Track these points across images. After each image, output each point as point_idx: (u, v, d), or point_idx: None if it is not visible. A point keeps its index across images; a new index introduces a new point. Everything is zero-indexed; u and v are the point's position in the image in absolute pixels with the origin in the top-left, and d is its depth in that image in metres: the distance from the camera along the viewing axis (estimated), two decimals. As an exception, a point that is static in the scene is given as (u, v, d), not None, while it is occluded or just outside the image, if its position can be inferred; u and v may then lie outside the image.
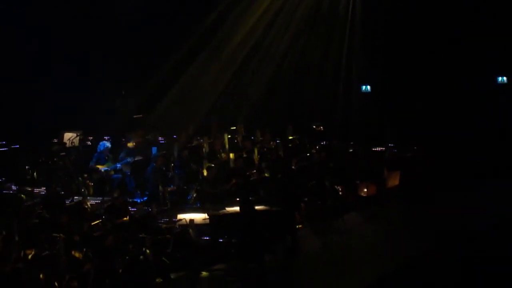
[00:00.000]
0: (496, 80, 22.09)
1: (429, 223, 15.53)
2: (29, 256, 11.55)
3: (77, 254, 11.69)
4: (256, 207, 13.88)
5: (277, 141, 18.57)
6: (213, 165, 16.58)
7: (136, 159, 17.61)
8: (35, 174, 17.55)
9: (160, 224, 13.84)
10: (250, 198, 14.11)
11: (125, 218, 13.96)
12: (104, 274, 11.67)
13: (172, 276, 12.56)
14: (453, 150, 19.40)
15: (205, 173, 16.58)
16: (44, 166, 17.63)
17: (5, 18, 19.08)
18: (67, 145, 18.39)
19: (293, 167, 17.01)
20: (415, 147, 19.41)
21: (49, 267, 11.13)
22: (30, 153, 17.90)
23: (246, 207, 13.42)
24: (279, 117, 21.18)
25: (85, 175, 17.23)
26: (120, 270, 11.83)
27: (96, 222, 13.53)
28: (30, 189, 16.21)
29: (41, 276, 10.88)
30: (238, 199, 14.40)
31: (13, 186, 16.35)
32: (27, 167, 17.58)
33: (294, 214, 14.67)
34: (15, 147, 18.00)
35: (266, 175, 16.44)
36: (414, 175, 18.26)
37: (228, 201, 14.75)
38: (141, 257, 12.08)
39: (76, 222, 13.34)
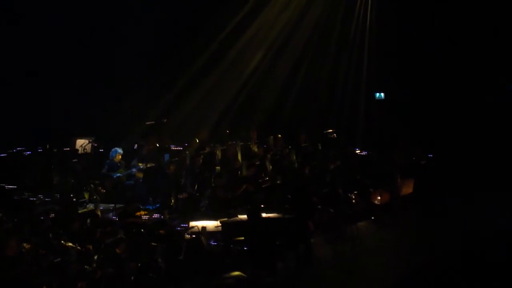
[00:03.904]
0: (512, 88, 22.02)
1: (442, 232, 15.47)
2: (41, 263, 11.52)
3: (88, 262, 11.65)
4: (269, 215, 13.83)
5: (290, 148, 18.50)
6: (224, 172, 16.52)
7: (148, 166, 17.58)
8: (47, 180, 17.54)
9: (172, 232, 13.77)
10: (261, 205, 14.05)
11: (137, 225, 13.93)
12: (116, 281, 11.62)
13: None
14: (468, 158, 19.30)
15: (216, 180, 16.51)
16: (56, 172, 17.63)
17: (22, 24, 19.13)
18: (79, 151, 18.39)
19: (306, 174, 16.95)
20: (429, 155, 19.31)
21: (61, 274, 11.09)
22: (43, 159, 17.89)
23: (253, 215, 13.36)
24: (292, 124, 21.14)
25: (97, 182, 17.23)
26: (132, 278, 11.78)
27: (108, 229, 13.50)
28: (42, 196, 16.21)
29: (52, 283, 10.83)
30: (248, 206, 14.33)
31: (25, 193, 16.36)
32: (39, 173, 17.57)
33: (307, 222, 14.59)
34: (28, 154, 18.01)
35: (279, 182, 16.39)
36: (428, 183, 18.16)
37: (240, 208, 14.69)
38: (153, 264, 12.03)
39: (88, 229, 13.34)
